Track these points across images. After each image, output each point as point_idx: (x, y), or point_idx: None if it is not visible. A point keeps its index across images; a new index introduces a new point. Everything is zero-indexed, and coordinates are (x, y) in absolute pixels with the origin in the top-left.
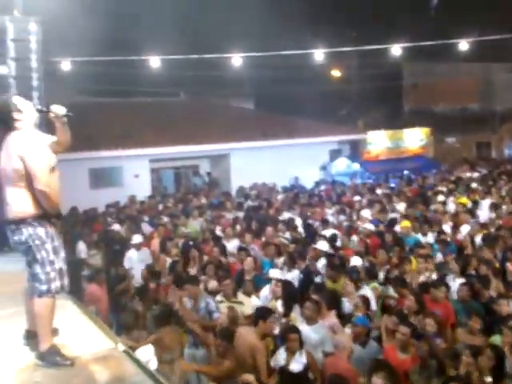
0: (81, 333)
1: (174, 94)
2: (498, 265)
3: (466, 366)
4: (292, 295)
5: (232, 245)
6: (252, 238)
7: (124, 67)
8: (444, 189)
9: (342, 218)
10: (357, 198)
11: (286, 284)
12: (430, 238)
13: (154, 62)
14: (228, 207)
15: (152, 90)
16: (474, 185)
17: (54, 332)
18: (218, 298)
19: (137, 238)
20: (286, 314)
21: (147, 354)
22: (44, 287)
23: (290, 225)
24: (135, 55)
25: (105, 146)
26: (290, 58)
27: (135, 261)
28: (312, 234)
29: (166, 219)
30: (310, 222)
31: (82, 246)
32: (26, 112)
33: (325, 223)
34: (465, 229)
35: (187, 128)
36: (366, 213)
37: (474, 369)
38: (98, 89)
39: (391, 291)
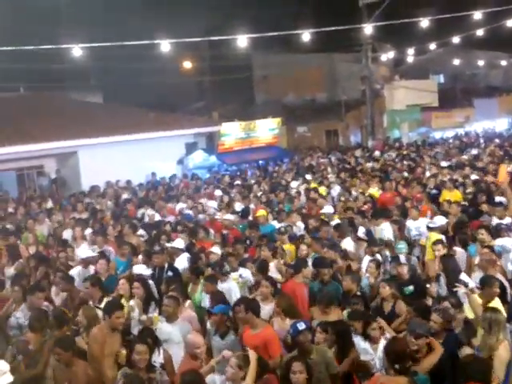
0: None
1: (13, 89)
2: None
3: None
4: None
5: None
6: (104, 240)
7: None
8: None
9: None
10: (218, 192)
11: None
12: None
13: None
14: (79, 209)
15: None
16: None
17: None
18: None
19: None
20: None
21: None
22: None
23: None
24: None
25: None
26: (139, 50)
27: None
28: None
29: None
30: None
31: None
32: None
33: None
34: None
35: (29, 125)
36: (212, 204)
37: None
38: None
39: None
